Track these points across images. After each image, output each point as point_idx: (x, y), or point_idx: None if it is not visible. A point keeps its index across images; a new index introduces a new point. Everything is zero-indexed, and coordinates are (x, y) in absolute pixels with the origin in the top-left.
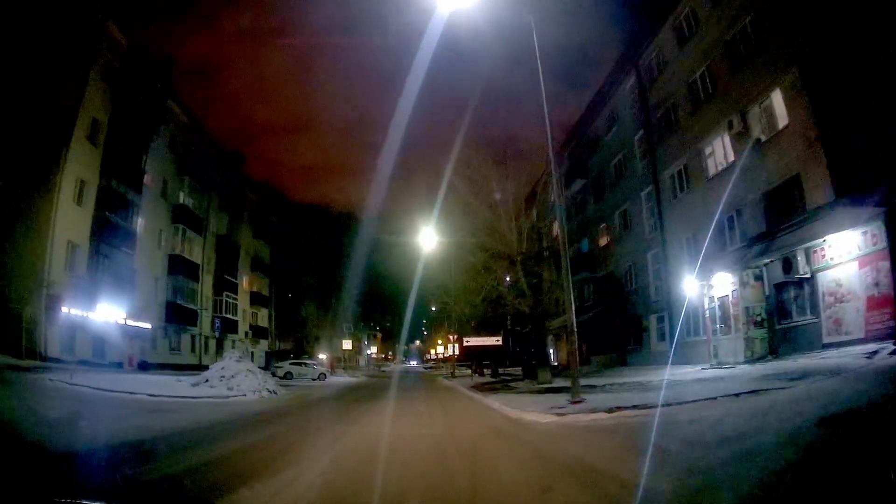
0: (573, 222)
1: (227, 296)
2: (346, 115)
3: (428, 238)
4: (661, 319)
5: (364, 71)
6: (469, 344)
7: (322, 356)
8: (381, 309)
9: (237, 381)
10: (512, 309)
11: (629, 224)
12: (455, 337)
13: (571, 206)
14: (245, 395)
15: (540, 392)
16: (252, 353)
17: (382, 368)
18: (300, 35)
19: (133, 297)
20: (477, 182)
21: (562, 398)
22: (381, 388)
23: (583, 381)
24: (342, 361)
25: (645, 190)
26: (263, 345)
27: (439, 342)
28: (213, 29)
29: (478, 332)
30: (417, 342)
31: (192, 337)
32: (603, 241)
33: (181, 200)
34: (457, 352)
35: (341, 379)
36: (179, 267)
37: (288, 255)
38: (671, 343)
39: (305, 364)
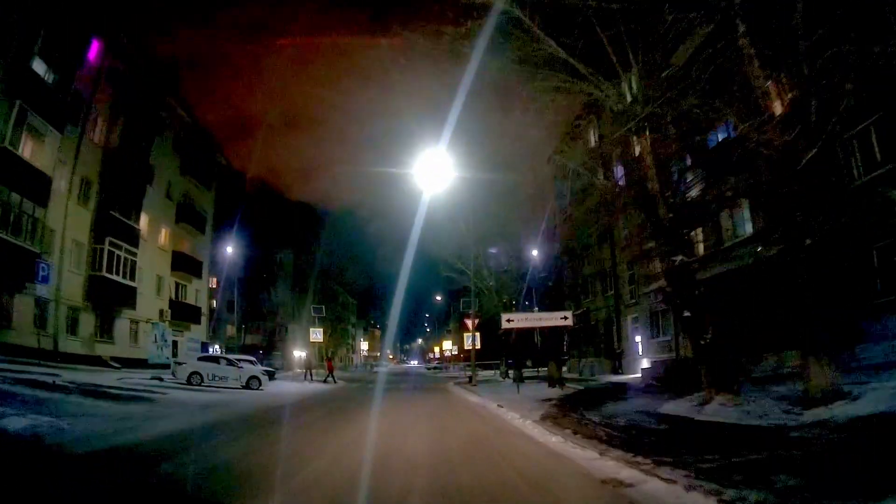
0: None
1: (113, 245)
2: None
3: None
4: None
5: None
6: (512, 326)
7: (299, 353)
8: (382, 305)
9: None
10: None
11: None
12: (474, 321)
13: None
14: None
15: None
16: (175, 342)
17: (375, 369)
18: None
19: None
20: None
21: None
22: (329, 419)
23: None
24: (322, 360)
25: None
26: (196, 332)
27: (447, 337)
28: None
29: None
30: (419, 340)
31: (40, 304)
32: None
33: (31, 65)
34: (477, 344)
35: (299, 387)
36: (2, 171)
37: (262, 232)
38: None
39: (228, 362)
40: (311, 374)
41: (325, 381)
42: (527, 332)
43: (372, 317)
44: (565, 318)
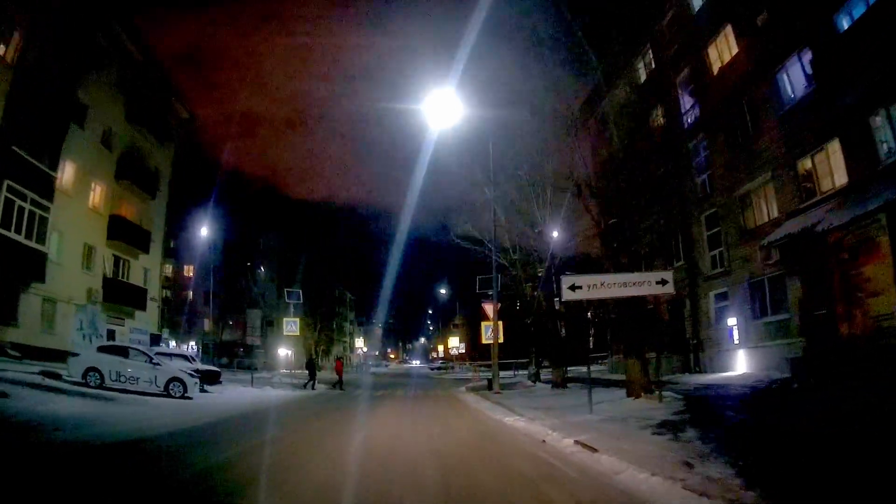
0: None
1: (14, 192)
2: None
3: None
4: None
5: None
6: (579, 297)
7: (286, 351)
8: (387, 303)
9: None
10: None
11: None
12: (496, 306)
13: None
14: None
15: None
16: (112, 332)
17: (373, 369)
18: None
19: None
20: None
21: None
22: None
23: None
24: (317, 359)
25: None
26: (143, 321)
27: (453, 333)
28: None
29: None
30: (422, 339)
31: None
32: None
33: None
34: (500, 336)
35: (252, 396)
36: None
37: (243, 214)
38: None
39: (148, 358)
40: (314, 380)
41: (333, 387)
42: (551, 321)
43: (373, 315)
44: (663, 281)
